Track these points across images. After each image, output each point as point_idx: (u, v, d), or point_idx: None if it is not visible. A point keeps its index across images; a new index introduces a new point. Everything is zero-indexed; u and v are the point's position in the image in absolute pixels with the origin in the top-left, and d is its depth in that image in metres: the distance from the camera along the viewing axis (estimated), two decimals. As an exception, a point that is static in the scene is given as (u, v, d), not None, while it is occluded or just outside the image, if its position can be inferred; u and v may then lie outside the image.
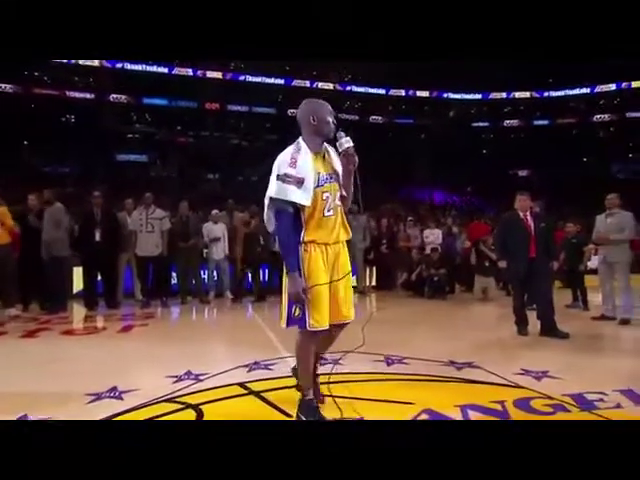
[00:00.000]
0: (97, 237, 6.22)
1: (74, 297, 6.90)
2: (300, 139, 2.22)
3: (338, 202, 2.22)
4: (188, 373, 3.09)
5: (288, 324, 2.20)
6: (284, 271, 2.15)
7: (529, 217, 4.67)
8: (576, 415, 2.36)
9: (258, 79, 28.54)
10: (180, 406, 2.48)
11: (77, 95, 25.58)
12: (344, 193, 2.26)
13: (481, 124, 32.21)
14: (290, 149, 2.17)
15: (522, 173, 29.15)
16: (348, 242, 2.35)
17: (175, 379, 2.98)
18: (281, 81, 28.91)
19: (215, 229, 7.30)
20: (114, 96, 26.37)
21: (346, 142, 2.15)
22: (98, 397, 2.65)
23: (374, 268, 8.66)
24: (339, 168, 2.25)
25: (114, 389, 2.76)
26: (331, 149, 2.29)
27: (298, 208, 2.12)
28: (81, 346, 4.22)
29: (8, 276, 5.58)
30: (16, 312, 5.63)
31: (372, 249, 8.33)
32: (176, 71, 26.88)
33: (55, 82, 24.89)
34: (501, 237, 4.99)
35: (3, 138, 20.48)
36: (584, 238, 6.62)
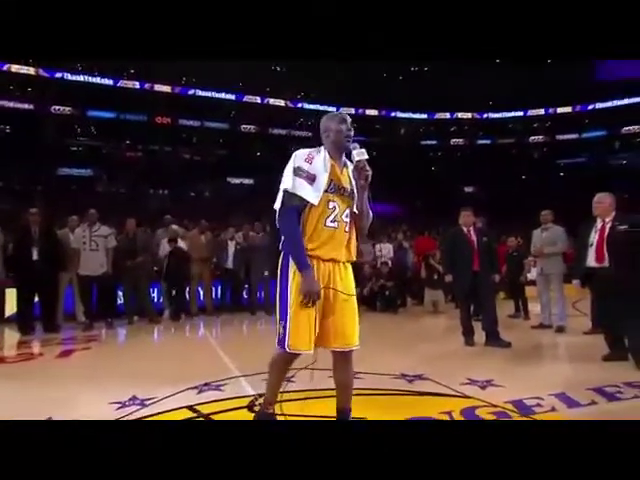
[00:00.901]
0: (35, 256, 5.84)
1: (6, 321, 6.42)
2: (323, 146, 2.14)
3: (346, 218, 2.05)
4: (133, 398, 2.95)
5: (278, 342, 2.01)
6: (278, 286, 2.01)
7: (472, 232, 4.92)
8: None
9: (208, 94, 28.27)
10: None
11: (13, 105, 24.13)
12: (355, 210, 2.08)
13: (429, 142, 33.69)
14: (311, 149, 2.07)
15: (468, 189, 30.63)
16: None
17: (119, 405, 2.83)
18: (232, 96, 28.82)
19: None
20: (56, 107, 25.16)
21: (358, 154, 2.01)
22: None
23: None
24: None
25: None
26: (352, 166, 2.14)
27: (301, 208, 2.00)
28: (10, 376, 3.87)
29: None
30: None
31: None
32: (122, 84, 26.09)
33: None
34: (447, 252, 5.22)
35: None
36: (524, 251, 7.05)
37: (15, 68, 23.33)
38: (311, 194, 1.96)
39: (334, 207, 2.00)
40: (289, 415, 2.45)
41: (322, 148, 2.08)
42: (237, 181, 27.02)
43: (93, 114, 26.37)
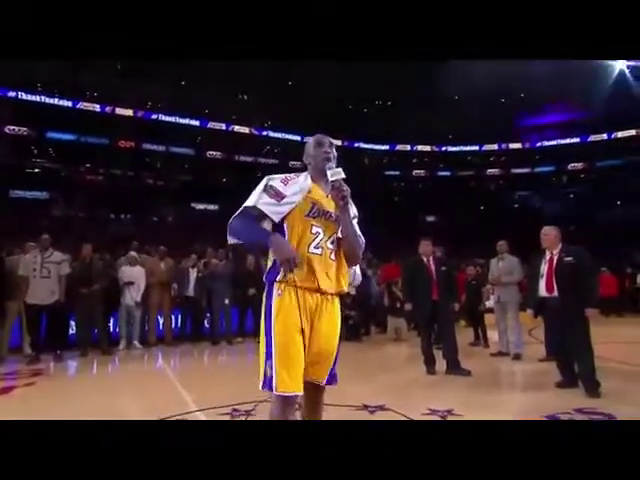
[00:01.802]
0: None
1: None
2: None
3: (331, 245, 1.87)
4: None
5: (263, 385, 1.74)
6: (262, 322, 1.81)
7: (432, 261, 5.05)
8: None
9: (172, 119, 28.13)
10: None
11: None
12: (340, 234, 1.90)
13: (392, 173, 34.77)
14: (293, 173, 1.96)
15: (429, 219, 31.60)
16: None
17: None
18: (196, 122, 28.80)
19: (132, 272, 6.87)
20: (11, 127, 24.25)
21: (332, 174, 1.83)
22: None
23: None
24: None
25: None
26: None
27: (259, 218, 1.84)
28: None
29: None
30: None
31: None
32: (81, 106, 25.54)
33: None
34: (406, 280, 5.32)
35: None
36: (482, 280, 7.28)
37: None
38: (273, 210, 1.81)
39: (317, 232, 1.84)
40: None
41: (306, 173, 1.98)
42: (201, 207, 26.72)
43: (52, 136, 25.59)
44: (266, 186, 1.85)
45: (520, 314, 5.86)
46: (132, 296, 6.85)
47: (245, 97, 28.99)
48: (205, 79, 24.58)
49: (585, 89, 26.49)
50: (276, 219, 1.82)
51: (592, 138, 30.80)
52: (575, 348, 3.88)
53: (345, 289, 1.92)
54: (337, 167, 1.86)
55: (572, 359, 3.95)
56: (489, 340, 6.89)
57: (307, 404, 1.94)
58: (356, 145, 33.62)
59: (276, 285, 1.81)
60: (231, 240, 1.87)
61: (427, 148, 34.19)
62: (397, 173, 34.84)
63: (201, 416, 3.23)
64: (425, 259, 5.05)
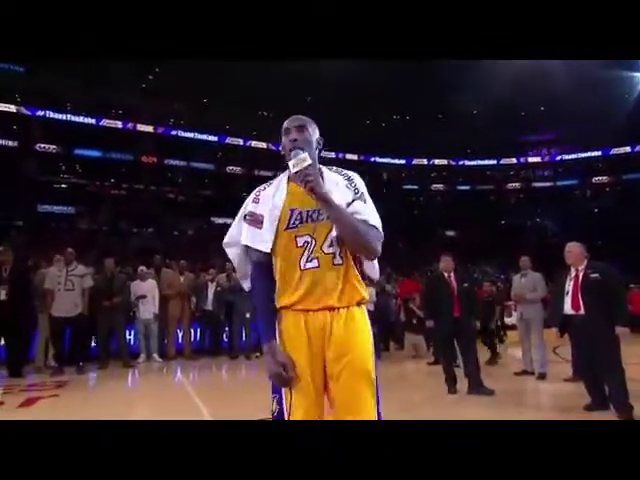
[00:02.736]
0: (2, 296, 5.57)
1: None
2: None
3: (329, 249, 1.52)
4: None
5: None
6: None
7: (453, 278, 4.97)
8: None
9: (191, 135, 28.81)
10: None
11: (-1, 142, 24.09)
12: (334, 233, 1.52)
13: (411, 187, 34.68)
14: (267, 182, 1.70)
15: (449, 233, 31.28)
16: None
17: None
18: (215, 138, 29.41)
19: (142, 286, 6.95)
20: (41, 145, 25.19)
21: (293, 165, 1.48)
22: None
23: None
24: (341, 200, 1.54)
25: None
26: (335, 176, 1.65)
27: (268, 256, 1.58)
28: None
29: None
30: None
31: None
32: (104, 123, 26.41)
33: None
34: (427, 297, 5.25)
35: None
36: (499, 297, 7.12)
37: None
38: (258, 240, 1.58)
39: (305, 243, 1.53)
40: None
41: (283, 174, 1.67)
42: (221, 221, 27.08)
43: (79, 152, 26.47)
44: (245, 214, 1.63)
45: (544, 331, 5.70)
46: (147, 309, 6.90)
47: (265, 113, 29.50)
48: (226, 96, 25.16)
49: (607, 101, 26.08)
50: (268, 249, 1.56)
51: (614, 151, 30.20)
52: (604, 368, 3.73)
53: (365, 294, 1.57)
54: (302, 153, 1.49)
55: (601, 380, 3.79)
56: (512, 358, 6.71)
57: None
58: (372, 159, 33.74)
59: (281, 311, 1.57)
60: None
61: (444, 162, 34.04)
62: (415, 187, 34.73)
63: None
64: (446, 275, 4.97)
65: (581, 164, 31.52)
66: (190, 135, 28.72)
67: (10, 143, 24.41)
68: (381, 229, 1.57)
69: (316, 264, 1.52)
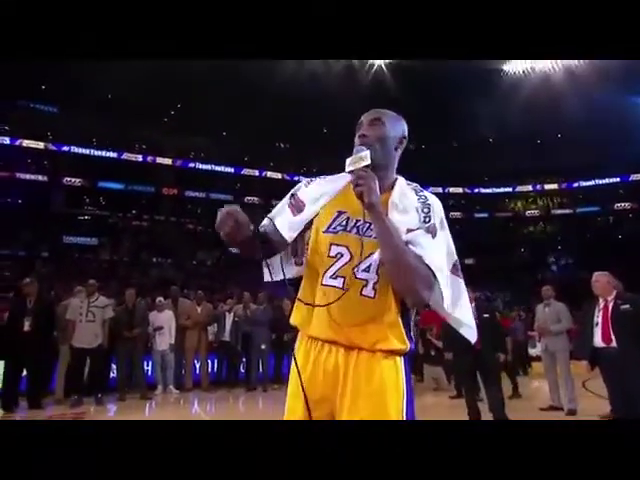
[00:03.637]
0: (26, 327, 5.61)
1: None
2: None
3: (365, 274, 1.25)
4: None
5: None
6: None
7: (473, 308, 4.86)
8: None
9: (208, 167, 29.53)
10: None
11: (29, 177, 25.18)
12: (377, 256, 1.25)
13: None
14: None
15: (468, 261, 30.82)
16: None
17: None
18: (230, 169, 30.12)
19: (159, 318, 7.00)
20: (68, 179, 26.20)
21: (350, 163, 1.24)
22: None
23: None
24: (401, 222, 1.26)
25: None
26: (410, 193, 1.38)
27: (285, 245, 1.40)
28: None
29: None
30: None
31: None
32: (125, 156, 27.38)
33: (4, 163, 24.50)
34: (446, 328, 5.12)
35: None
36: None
37: (26, 143, 24.67)
38: (285, 224, 1.37)
39: (338, 255, 1.27)
40: None
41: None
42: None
43: (103, 185, 27.39)
44: (290, 194, 1.45)
45: (572, 363, 5.48)
46: (163, 340, 6.90)
47: (282, 145, 30.18)
48: (245, 128, 25.92)
49: (623, 127, 25.87)
50: (285, 236, 1.35)
51: (633, 177, 29.70)
52: None
53: (398, 345, 1.26)
54: (364, 151, 1.25)
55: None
56: (538, 391, 6.45)
57: None
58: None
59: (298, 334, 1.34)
60: (267, 277, 1.46)
61: (459, 190, 33.97)
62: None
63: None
64: (466, 305, 4.87)
65: (600, 191, 31.03)
66: (208, 167, 29.51)
67: (40, 177, 25.46)
68: (439, 274, 1.23)
69: (340, 284, 1.25)
